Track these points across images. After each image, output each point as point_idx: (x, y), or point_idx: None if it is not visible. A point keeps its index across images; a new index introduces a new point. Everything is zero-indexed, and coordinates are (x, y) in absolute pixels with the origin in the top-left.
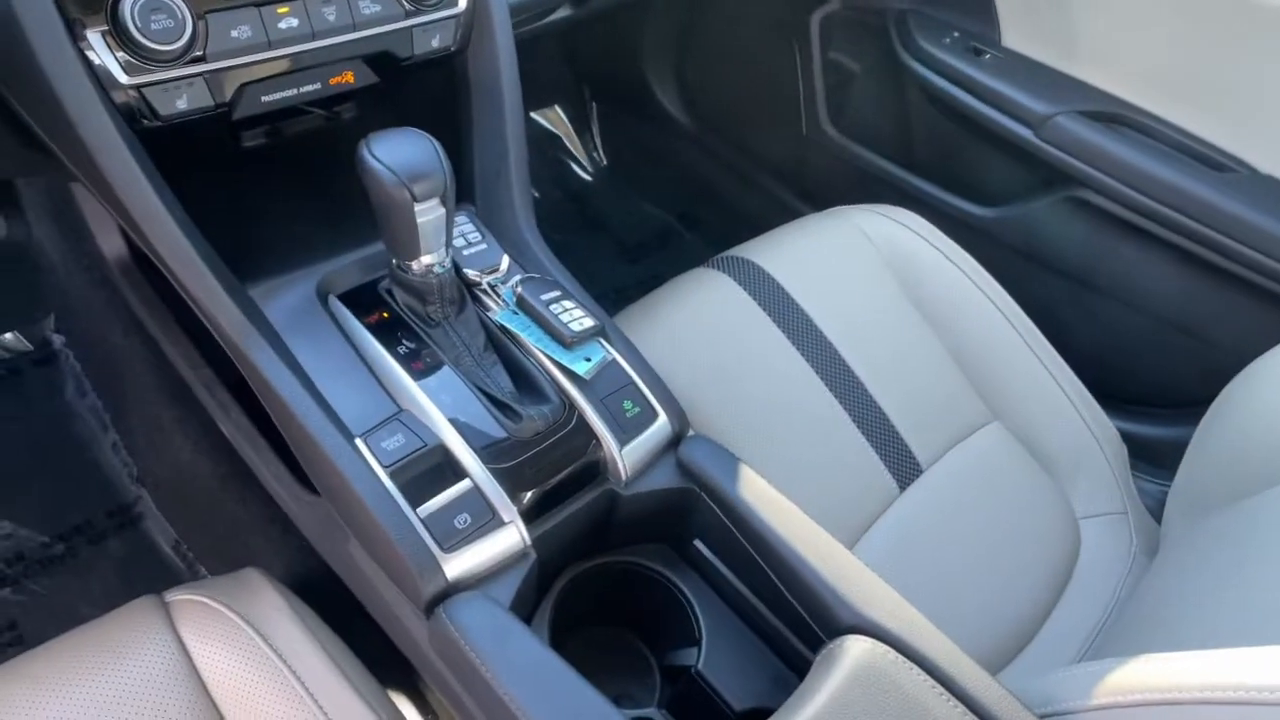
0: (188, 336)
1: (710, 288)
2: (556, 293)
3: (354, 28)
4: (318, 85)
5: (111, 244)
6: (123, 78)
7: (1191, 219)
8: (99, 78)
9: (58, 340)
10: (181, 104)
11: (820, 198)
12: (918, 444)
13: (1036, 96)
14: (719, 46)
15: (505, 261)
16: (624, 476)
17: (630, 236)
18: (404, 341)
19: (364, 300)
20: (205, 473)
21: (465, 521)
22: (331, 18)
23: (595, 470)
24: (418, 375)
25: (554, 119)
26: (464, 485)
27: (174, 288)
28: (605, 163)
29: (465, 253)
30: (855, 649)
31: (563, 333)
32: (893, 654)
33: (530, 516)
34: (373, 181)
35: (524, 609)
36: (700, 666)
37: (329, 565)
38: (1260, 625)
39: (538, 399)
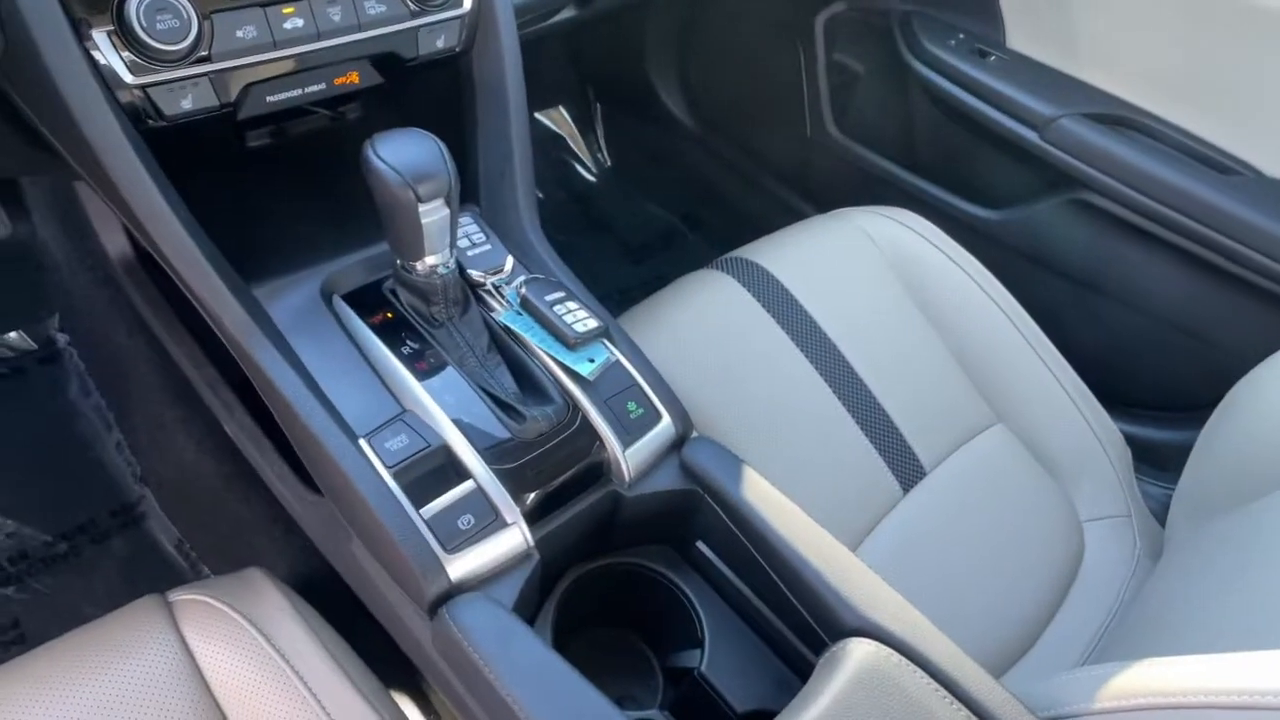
0: (191, 336)
1: (714, 289)
2: (560, 294)
3: (359, 28)
4: (322, 85)
5: (115, 243)
6: (128, 77)
7: (1196, 222)
8: (104, 77)
9: (61, 339)
10: (186, 104)
11: (824, 199)
12: (921, 446)
13: (1041, 98)
14: (723, 47)
15: (509, 262)
16: (627, 478)
17: (634, 237)
18: (408, 342)
19: (368, 300)
20: (208, 472)
21: (469, 522)
22: (337, 18)
23: (598, 471)
24: (421, 376)
25: (558, 120)
26: (467, 486)
27: (178, 287)
28: (609, 163)
29: (469, 253)
30: (858, 651)
31: (567, 334)
32: (896, 657)
33: (533, 517)
34: (377, 182)
35: (527, 610)
36: (703, 668)
37: (332, 566)
38: (1265, 629)
39: (541, 400)
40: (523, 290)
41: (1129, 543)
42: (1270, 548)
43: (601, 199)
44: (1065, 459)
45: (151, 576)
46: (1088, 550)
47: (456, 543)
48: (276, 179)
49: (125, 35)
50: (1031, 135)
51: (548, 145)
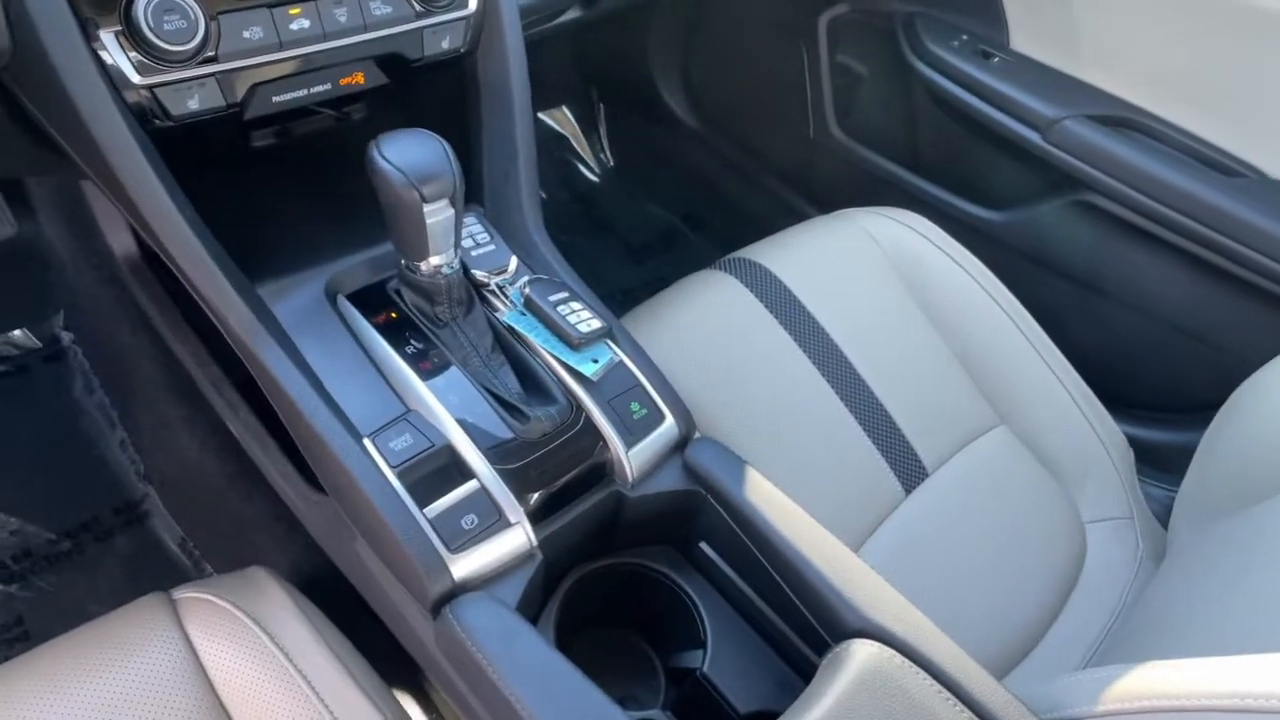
0: (196, 335)
1: (717, 290)
2: (564, 294)
3: (365, 29)
4: (328, 86)
5: (121, 242)
6: (135, 78)
7: (1200, 224)
8: (112, 78)
9: (66, 337)
10: (193, 104)
11: (827, 200)
12: (923, 447)
13: (1044, 100)
14: (726, 48)
15: (513, 262)
16: (630, 478)
17: (636, 238)
18: (412, 342)
19: (372, 300)
20: (212, 471)
21: (472, 522)
22: (343, 19)
23: (602, 472)
24: (425, 375)
25: (561, 120)
26: (471, 486)
27: (183, 286)
28: (612, 164)
29: (473, 254)
30: (861, 653)
31: (570, 334)
32: (899, 658)
33: (537, 517)
34: (382, 182)
35: (530, 610)
36: (705, 669)
37: (335, 564)
38: (1267, 632)
39: (545, 400)
40: (526, 290)
41: (1131, 545)
42: (1273, 551)
43: (604, 199)
44: (1068, 460)
45: (155, 575)
46: (1090, 552)
47: (460, 542)
48: (282, 179)
49: (133, 36)
50: (1035, 136)
51: (550, 145)
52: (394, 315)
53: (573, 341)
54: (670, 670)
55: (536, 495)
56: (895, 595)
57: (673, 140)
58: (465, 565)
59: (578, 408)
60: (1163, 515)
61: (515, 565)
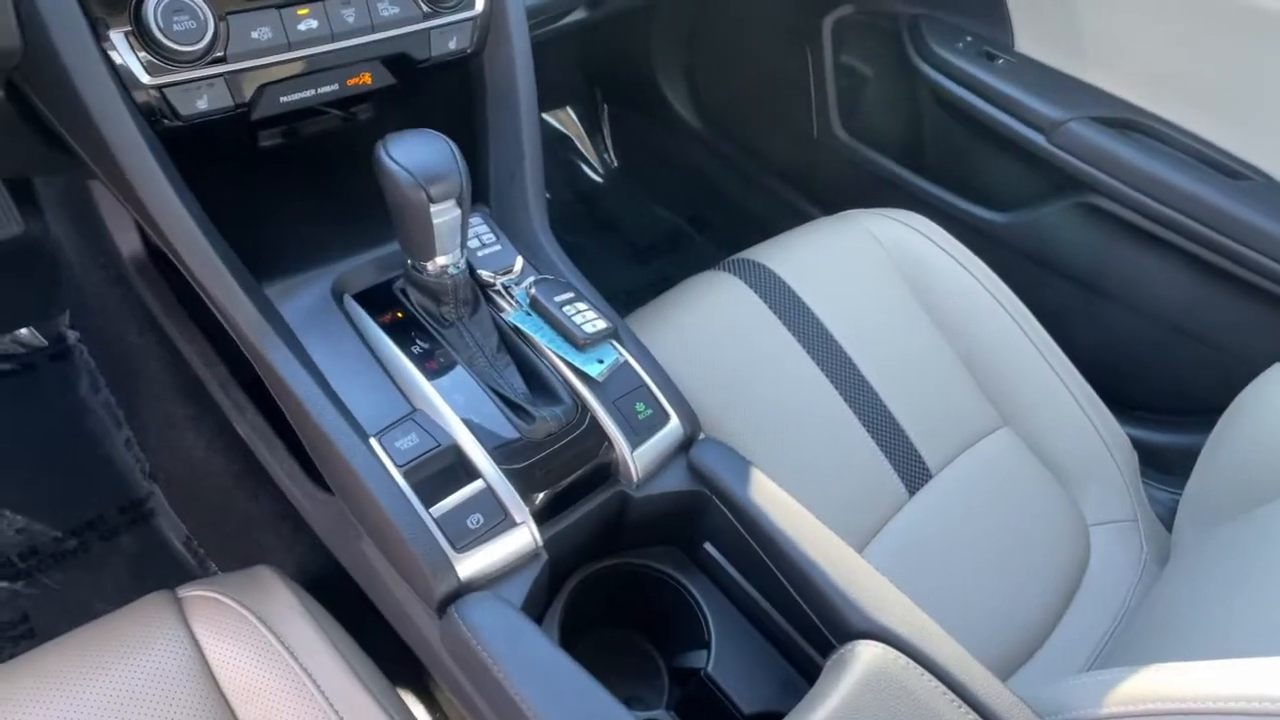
0: (202, 334)
1: (721, 290)
2: (570, 294)
3: (372, 29)
4: (335, 86)
5: (128, 242)
6: (144, 78)
7: (1204, 226)
8: (121, 77)
9: (72, 336)
10: (202, 104)
11: (831, 201)
12: (927, 449)
13: (1049, 101)
14: (730, 49)
15: (519, 263)
16: (635, 478)
17: (640, 238)
18: (418, 341)
19: (379, 300)
20: (218, 470)
21: (478, 521)
22: (350, 19)
23: (607, 472)
24: (431, 375)
25: (565, 120)
26: (477, 485)
27: (190, 286)
28: (616, 164)
29: (479, 254)
30: (866, 654)
31: (576, 334)
32: (903, 659)
33: (542, 517)
34: (389, 182)
35: (534, 610)
36: (709, 669)
37: (340, 564)
38: (1271, 635)
39: (550, 400)
40: (532, 291)
41: (1135, 547)
42: (1277, 553)
43: (608, 200)
44: (1071, 463)
45: (160, 573)
46: (1094, 554)
47: (465, 542)
48: (289, 179)
49: (142, 36)
50: (1039, 138)
51: (554, 146)
52: (400, 315)
53: (578, 342)
54: (674, 670)
55: (542, 495)
56: (900, 597)
57: (676, 141)
58: (470, 565)
59: (583, 408)
60: (1167, 518)
61: (520, 565)
